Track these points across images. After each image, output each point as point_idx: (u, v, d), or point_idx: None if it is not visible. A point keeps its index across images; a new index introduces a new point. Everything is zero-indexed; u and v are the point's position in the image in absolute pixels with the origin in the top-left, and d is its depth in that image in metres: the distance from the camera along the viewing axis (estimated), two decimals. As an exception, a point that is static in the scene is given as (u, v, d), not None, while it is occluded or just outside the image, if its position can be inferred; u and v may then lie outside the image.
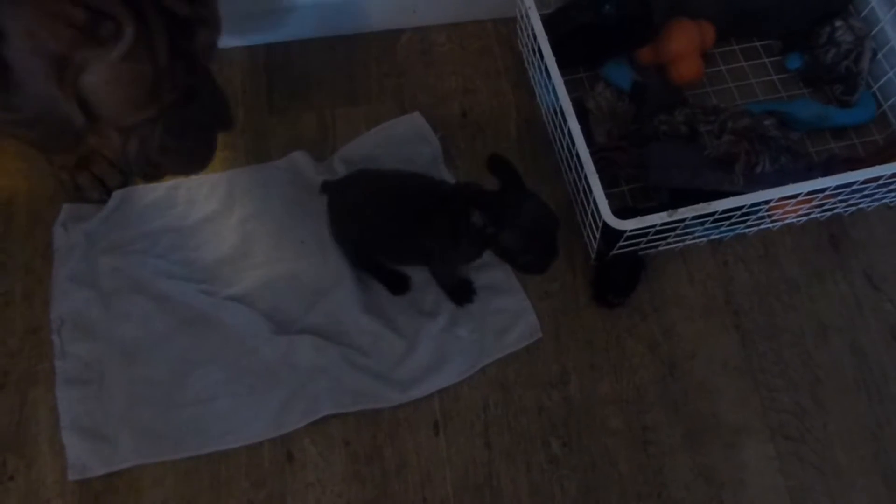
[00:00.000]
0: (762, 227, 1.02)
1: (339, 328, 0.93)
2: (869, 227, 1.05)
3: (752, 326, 0.98)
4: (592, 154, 0.88)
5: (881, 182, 0.90)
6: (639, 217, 0.83)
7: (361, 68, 1.14)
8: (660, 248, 1.00)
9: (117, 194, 1.00)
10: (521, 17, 1.05)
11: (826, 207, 0.99)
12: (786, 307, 1.00)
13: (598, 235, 0.92)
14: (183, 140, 0.71)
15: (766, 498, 0.88)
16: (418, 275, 0.96)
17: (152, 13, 0.58)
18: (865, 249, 1.04)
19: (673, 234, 0.92)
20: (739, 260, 1.02)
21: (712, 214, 0.86)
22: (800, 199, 0.90)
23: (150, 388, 0.90)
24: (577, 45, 1.06)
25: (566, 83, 0.92)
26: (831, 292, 1.01)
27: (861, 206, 1.03)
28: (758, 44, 1.18)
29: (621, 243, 0.89)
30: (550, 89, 0.98)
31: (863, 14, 1.13)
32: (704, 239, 1.01)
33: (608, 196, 0.85)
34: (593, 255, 0.98)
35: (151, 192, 1.02)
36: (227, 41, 1.02)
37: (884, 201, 1.03)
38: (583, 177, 0.89)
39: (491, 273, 0.98)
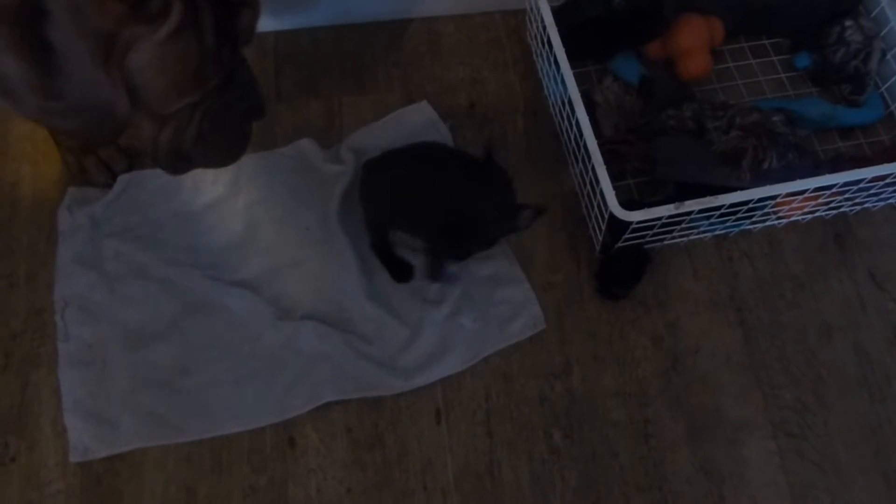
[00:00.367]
0: (767, 223, 1.02)
1: (342, 315, 0.93)
2: (874, 227, 1.05)
3: (755, 323, 0.98)
4: (599, 146, 0.88)
5: (888, 181, 0.90)
6: (646, 209, 0.83)
7: (369, 57, 1.13)
8: (665, 242, 1.00)
9: (123, 178, 1.00)
10: (531, 8, 1.05)
11: (832, 206, 0.99)
12: (789, 304, 1.00)
13: (603, 227, 0.92)
14: (218, 130, 0.67)
15: (766, 493, 0.88)
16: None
17: None
18: (870, 249, 1.04)
19: (678, 227, 0.92)
20: (744, 256, 1.02)
21: (719, 208, 0.86)
22: (806, 196, 0.90)
23: (153, 371, 0.90)
24: (587, 38, 1.05)
25: (574, 76, 0.92)
26: (835, 291, 1.01)
27: (867, 205, 1.03)
28: (766, 42, 1.18)
29: (627, 235, 0.89)
30: (559, 81, 0.98)
31: (873, 14, 1.13)
32: (710, 234, 1.01)
33: (614, 189, 0.84)
34: (598, 248, 0.98)
35: (157, 178, 1.01)
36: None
37: (889, 201, 1.03)
38: (590, 168, 0.89)
39: (495, 263, 0.98)
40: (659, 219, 0.85)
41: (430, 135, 1.06)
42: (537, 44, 1.08)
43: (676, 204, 0.84)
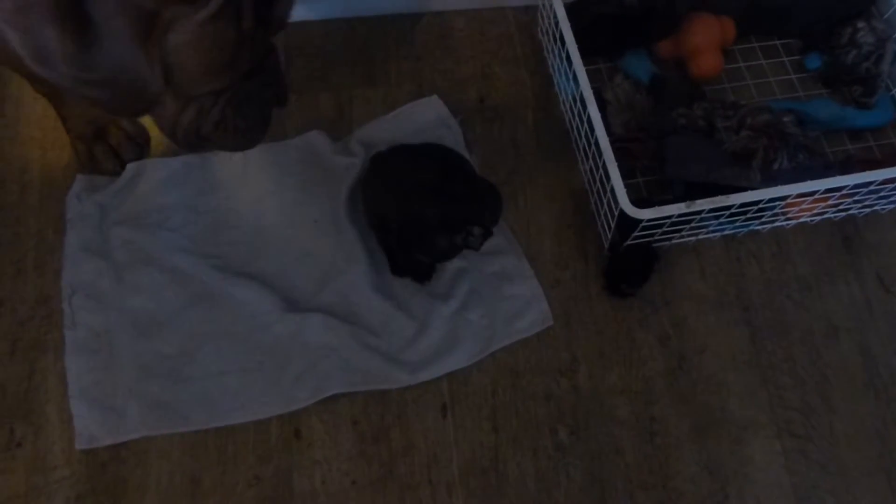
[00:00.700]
0: (776, 224, 1.02)
1: (350, 308, 0.93)
2: (883, 230, 1.05)
3: (762, 323, 0.98)
4: (610, 144, 0.88)
5: (899, 183, 0.90)
6: (657, 207, 0.83)
7: (380, 50, 1.13)
8: (673, 241, 1.00)
9: (131, 167, 1.00)
10: (543, 4, 1.05)
11: (841, 207, 0.99)
12: (796, 305, 1.00)
13: (612, 225, 0.92)
14: (241, 116, 0.67)
15: (770, 493, 0.89)
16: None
17: None
18: (878, 251, 1.04)
19: (688, 226, 0.92)
20: (752, 256, 1.02)
21: (729, 208, 0.86)
22: (816, 197, 0.90)
23: (160, 360, 0.90)
24: (598, 36, 1.06)
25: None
26: (842, 293, 1.01)
27: (876, 208, 1.03)
28: (778, 42, 1.18)
29: (636, 233, 0.89)
30: (571, 77, 0.98)
31: (886, 16, 1.13)
32: (718, 234, 1.01)
33: (624, 187, 0.84)
34: (607, 245, 0.98)
35: (165, 167, 1.01)
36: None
37: (899, 204, 1.03)
38: (601, 165, 0.89)
39: (503, 259, 0.97)
40: (669, 218, 0.85)
41: (440, 129, 1.05)
42: (549, 40, 1.08)
43: (687, 203, 0.84)
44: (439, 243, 0.86)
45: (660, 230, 0.90)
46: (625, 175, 0.86)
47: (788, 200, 0.91)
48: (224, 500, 0.85)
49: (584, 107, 0.91)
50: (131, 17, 0.52)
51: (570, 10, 0.98)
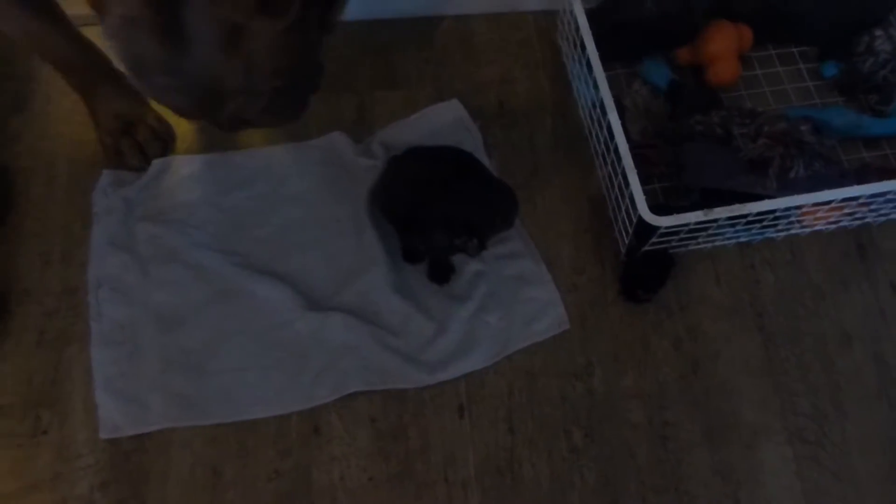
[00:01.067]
0: (791, 232, 1.03)
1: (370, 308, 0.94)
2: (897, 239, 1.06)
3: (775, 330, 0.99)
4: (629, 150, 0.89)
5: (915, 194, 0.91)
6: (675, 214, 0.84)
7: (401, 53, 1.14)
8: (689, 248, 1.01)
9: (157, 163, 1.02)
10: (564, 10, 1.06)
11: (857, 216, 1.00)
12: (810, 313, 1.00)
13: (630, 231, 0.93)
14: (283, 104, 0.71)
15: (781, 499, 0.90)
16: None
17: None
18: (893, 260, 1.04)
19: (704, 233, 0.93)
20: (766, 264, 1.03)
21: (746, 216, 0.87)
22: (832, 205, 0.91)
23: (183, 354, 0.92)
24: (617, 42, 1.06)
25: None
26: (856, 301, 1.02)
27: (892, 216, 1.04)
28: (795, 50, 1.19)
29: (654, 240, 0.90)
30: (591, 83, 0.99)
31: (904, 25, 1.13)
32: (733, 241, 1.02)
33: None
34: (624, 251, 0.99)
35: (189, 164, 1.03)
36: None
37: (915, 213, 1.04)
38: (619, 171, 0.90)
39: (521, 263, 0.99)
40: (686, 224, 0.86)
41: (459, 133, 1.07)
42: (568, 45, 1.09)
43: (705, 210, 0.85)
44: (438, 239, 0.88)
45: (677, 237, 0.91)
46: (642, 181, 0.87)
47: (804, 209, 0.91)
48: (244, 492, 0.86)
49: (604, 113, 0.92)
50: (220, 28, 0.56)
51: (589, 16, 0.99)
